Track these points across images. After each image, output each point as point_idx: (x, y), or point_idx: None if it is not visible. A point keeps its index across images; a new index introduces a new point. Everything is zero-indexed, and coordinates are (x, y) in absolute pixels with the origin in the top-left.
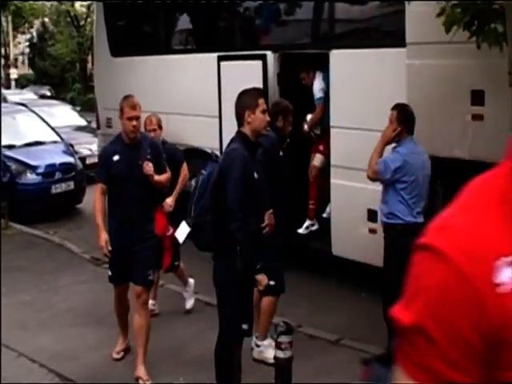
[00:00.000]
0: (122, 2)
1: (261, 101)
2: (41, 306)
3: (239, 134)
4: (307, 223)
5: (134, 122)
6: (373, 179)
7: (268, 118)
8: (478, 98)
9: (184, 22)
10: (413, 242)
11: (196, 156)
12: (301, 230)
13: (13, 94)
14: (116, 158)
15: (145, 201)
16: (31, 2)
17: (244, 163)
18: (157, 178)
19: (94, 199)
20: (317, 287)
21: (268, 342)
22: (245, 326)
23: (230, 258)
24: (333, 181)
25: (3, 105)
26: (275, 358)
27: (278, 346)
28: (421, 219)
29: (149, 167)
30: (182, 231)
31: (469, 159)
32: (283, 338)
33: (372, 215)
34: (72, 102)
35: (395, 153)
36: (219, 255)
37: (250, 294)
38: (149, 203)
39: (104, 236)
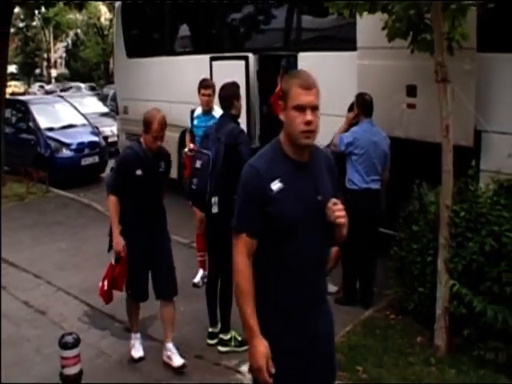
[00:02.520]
0: (135, 17)
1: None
2: (74, 252)
3: (230, 115)
4: None
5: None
6: (334, 152)
7: None
8: (411, 91)
9: (184, 30)
10: (366, 204)
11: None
12: None
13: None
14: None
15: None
16: (67, 17)
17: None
18: None
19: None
20: None
21: None
22: None
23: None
24: None
25: (46, 96)
26: None
27: None
28: (375, 185)
29: None
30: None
31: (404, 138)
32: None
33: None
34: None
35: (350, 131)
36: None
37: None
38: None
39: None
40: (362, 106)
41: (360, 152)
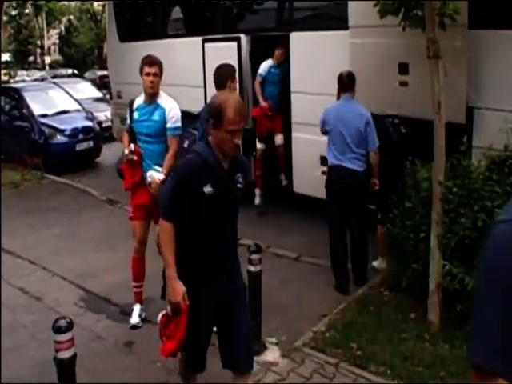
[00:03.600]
0: (127, 1)
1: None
2: (68, 237)
3: None
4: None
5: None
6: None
7: None
8: (404, 68)
9: (176, 12)
10: (338, 181)
11: (186, 117)
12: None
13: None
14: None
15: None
16: (60, 4)
17: None
18: None
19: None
20: (282, 217)
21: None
22: None
23: None
24: (294, 134)
25: (39, 83)
26: (248, 271)
27: (250, 262)
28: (350, 164)
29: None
30: None
31: (397, 115)
32: (254, 256)
33: (323, 160)
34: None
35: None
36: None
37: None
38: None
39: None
40: (338, 83)
41: (329, 129)
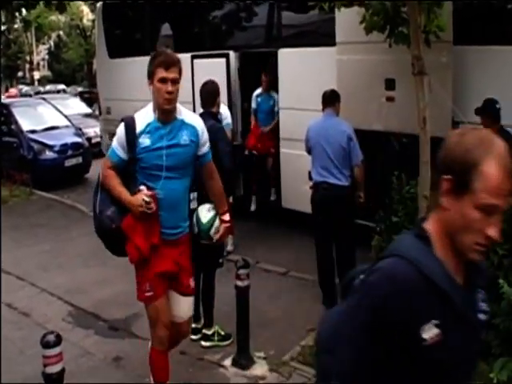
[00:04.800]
0: (116, 17)
1: None
2: (57, 253)
3: (211, 113)
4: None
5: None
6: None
7: None
8: (390, 84)
9: (165, 29)
10: (321, 197)
11: None
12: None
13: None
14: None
15: None
16: (50, 19)
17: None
18: None
19: None
20: (270, 232)
21: None
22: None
23: None
24: (282, 150)
25: (28, 99)
26: (236, 286)
27: (238, 277)
28: (334, 180)
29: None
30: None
31: (383, 131)
32: (242, 271)
33: (311, 176)
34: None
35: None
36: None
37: None
38: None
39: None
40: (322, 100)
41: (311, 144)
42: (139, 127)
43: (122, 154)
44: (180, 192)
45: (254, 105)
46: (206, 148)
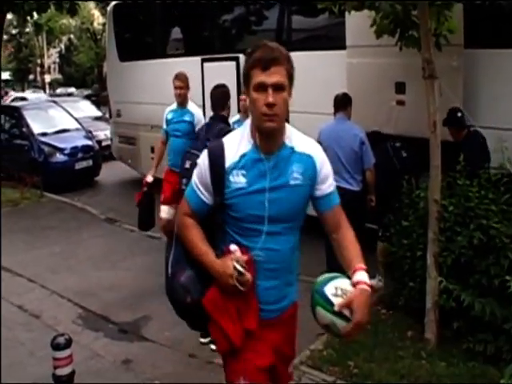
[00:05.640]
0: (126, 21)
1: None
2: (67, 255)
3: (222, 116)
4: None
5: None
6: None
7: None
8: (400, 88)
9: (175, 32)
10: None
11: None
12: None
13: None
14: None
15: None
16: (60, 23)
17: None
18: None
19: None
20: None
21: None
22: None
23: None
24: None
25: (39, 101)
26: None
27: None
28: (346, 184)
29: None
30: None
31: (394, 134)
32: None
33: None
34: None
35: None
36: None
37: None
38: None
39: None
40: (334, 104)
41: (323, 148)
42: (230, 159)
43: (206, 196)
44: (286, 253)
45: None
46: (327, 186)
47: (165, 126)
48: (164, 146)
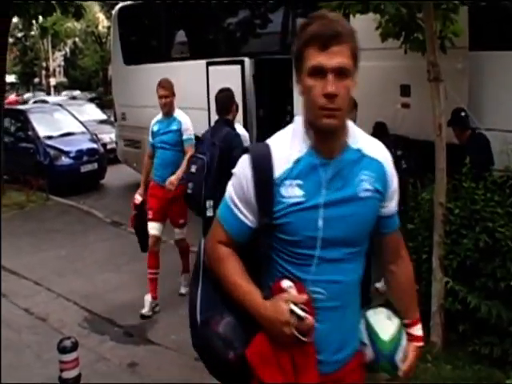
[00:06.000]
0: (131, 24)
1: None
2: (73, 259)
3: (226, 121)
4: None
5: None
6: None
7: None
8: (405, 90)
9: (180, 36)
10: None
11: None
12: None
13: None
14: None
15: None
16: (66, 26)
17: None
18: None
19: None
20: None
21: None
22: None
23: None
24: None
25: (44, 105)
26: None
27: None
28: None
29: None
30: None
31: (398, 136)
32: None
33: None
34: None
35: None
36: None
37: None
38: None
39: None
40: None
41: None
42: (281, 166)
43: (248, 217)
44: (351, 286)
45: None
46: (394, 204)
47: (151, 139)
48: (151, 161)
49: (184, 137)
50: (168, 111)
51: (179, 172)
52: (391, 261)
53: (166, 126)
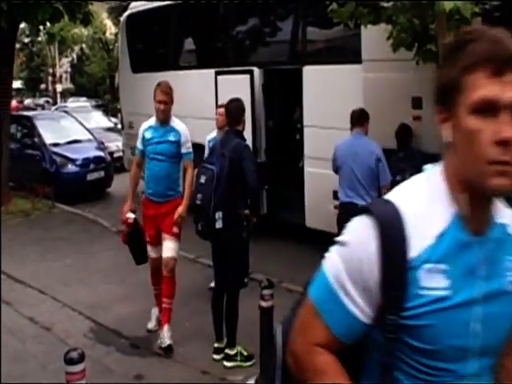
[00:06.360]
0: (140, 32)
1: None
2: (79, 268)
3: (237, 131)
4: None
5: None
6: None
7: None
8: (417, 103)
9: (189, 44)
10: (345, 217)
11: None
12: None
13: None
14: None
15: None
16: (73, 32)
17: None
18: None
19: None
20: (294, 251)
21: None
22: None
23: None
24: (306, 168)
25: (51, 112)
26: (259, 307)
27: (262, 298)
28: (357, 200)
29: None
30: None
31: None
32: (266, 291)
33: (336, 195)
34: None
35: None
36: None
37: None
38: None
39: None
40: (350, 119)
41: (339, 164)
42: (418, 243)
43: (363, 309)
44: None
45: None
46: (186, 149)
47: (140, 146)
48: (140, 170)
49: (183, 150)
50: (165, 118)
51: (186, 198)
52: (506, 354)
53: (162, 135)
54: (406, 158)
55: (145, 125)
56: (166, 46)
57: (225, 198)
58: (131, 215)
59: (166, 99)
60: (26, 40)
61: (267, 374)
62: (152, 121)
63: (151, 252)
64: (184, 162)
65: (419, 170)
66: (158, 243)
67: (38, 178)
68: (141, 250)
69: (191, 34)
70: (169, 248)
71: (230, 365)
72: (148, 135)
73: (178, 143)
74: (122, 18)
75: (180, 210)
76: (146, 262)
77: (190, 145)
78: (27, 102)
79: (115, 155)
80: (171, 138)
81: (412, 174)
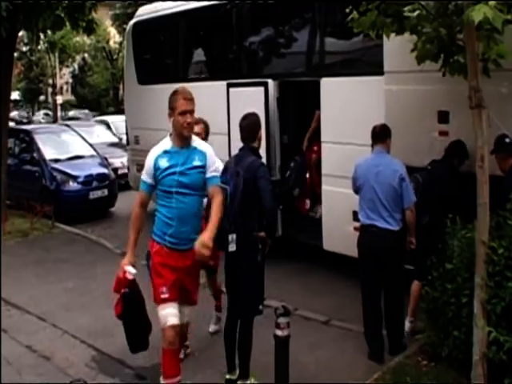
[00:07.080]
0: (147, 41)
1: None
2: (81, 291)
3: (252, 148)
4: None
5: None
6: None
7: None
8: (443, 117)
9: (199, 55)
10: (369, 241)
11: None
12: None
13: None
14: None
15: None
16: (74, 40)
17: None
18: None
19: None
20: (310, 276)
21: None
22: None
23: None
24: (324, 187)
25: (51, 125)
26: (275, 336)
27: (278, 326)
28: (379, 222)
29: None
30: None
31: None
32: (282, 319)
33: (356, 216)
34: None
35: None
36: (246, 247)
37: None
38: None
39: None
40: (372, 137)
41: (359, 184)
42: (158, 152)
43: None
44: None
45: None
46: (213, 172)
47: (149, 180)
48: (144, 211)
49: (208, 175)
50: (190, 136)
51: (211, 227)
52: None
53: (185, 162)
54: None
55: (156, 151)
56: (174, 56)
57: (239, 219)
58: (132, 270)
59: (193, 108)
60: (25, 49)
61: None
62: (166, 144)
63: (170, 316)
64: (209, 188)
65: None
66: (177, 299)
67: (37, 196)
68: (137, 331)
69: (202, 43)
70: (185, 314)
71: None
72: (164, 163)
73: (203, 168)
74: (128, 27)
75: (206, 239)
76: (146, 349)
77: (216, 167)
78: (13, 114)
79: (120, 172)
80: (197, 162)
81: None
